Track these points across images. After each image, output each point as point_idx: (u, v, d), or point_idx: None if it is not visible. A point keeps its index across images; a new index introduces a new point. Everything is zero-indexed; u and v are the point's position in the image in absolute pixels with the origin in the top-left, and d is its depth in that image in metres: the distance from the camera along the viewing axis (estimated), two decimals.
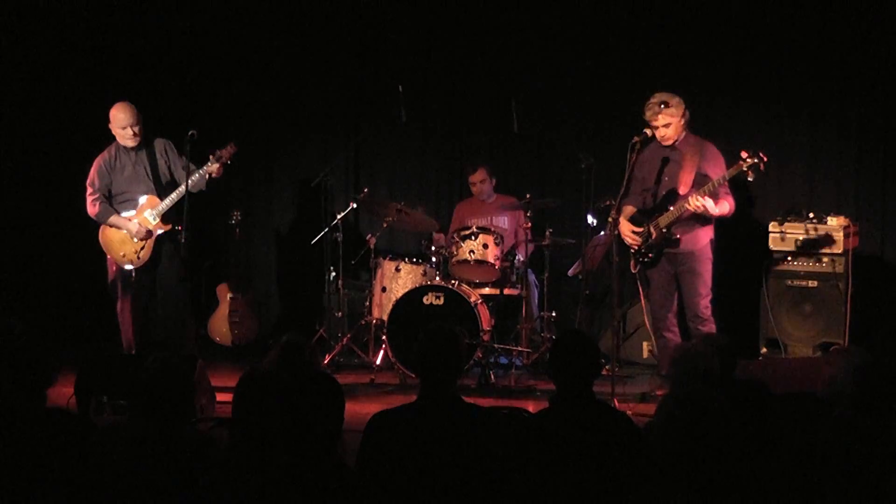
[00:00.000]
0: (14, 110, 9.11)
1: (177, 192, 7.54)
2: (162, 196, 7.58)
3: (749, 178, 6.90)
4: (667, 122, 7.07)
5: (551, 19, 8.93)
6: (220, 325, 8.73)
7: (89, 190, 7.64)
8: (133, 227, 7.57)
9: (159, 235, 7.60)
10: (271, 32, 9.29)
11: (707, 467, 3.07)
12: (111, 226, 7.60)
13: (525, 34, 8.99)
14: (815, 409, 4.39)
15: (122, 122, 7.52)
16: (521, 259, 8.10)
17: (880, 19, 8.24)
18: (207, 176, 7.51)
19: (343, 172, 9.18)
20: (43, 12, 9.09)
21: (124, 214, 7.61)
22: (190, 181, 7.40)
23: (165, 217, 7.58)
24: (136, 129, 7.52)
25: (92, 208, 7.62)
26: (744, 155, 6.83)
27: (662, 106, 7.04)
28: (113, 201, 7.65)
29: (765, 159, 6.79)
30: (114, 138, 7.63)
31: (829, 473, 3.53)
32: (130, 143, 7.56)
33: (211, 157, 7.52)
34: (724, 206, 7.05)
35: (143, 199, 7.62)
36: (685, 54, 8.64)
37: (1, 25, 9.03)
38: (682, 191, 7.08)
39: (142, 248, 7.59)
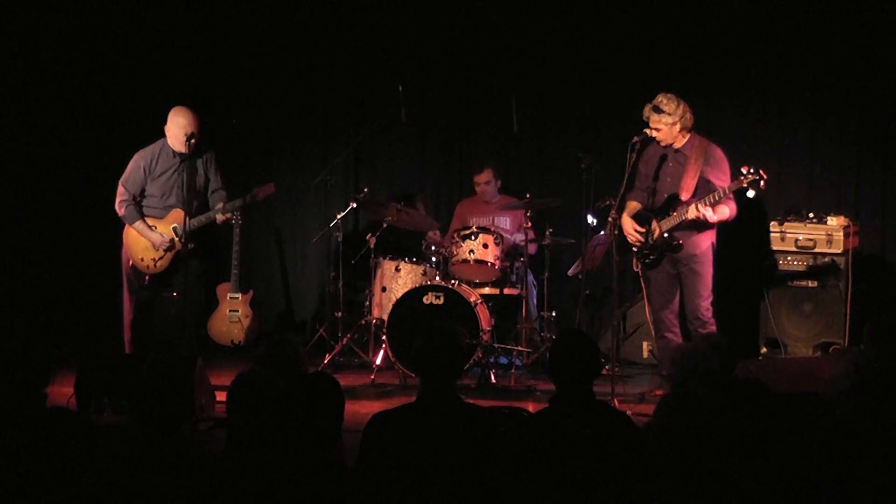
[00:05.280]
0: (13, 111, 9.10)
1: (206, 216, 7.55)
2: (189, 211, 7.45)
3: (749, 195, 6.88)
4: (657, 127, 7.08)
5: (551, 19, 8.92)
6: (220, 325, 8.71)
7: (120, 189, 7.58)
8: (156, 238, 7.55)
9: (178, 251, 7.58)
10: (271, 32, 9.28)
11: (707, 467, 3.07)
12: (135, 230, 7.59)
13: (525, 34, 8.98)
14: (815, 409, 4.39)
15: (185, 128, 7.39)
16: (524, 259, 8.08)
17: (880, 19, 8.24)
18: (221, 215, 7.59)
19: (343, 172, 9.17)
20: (45, 11, 9.08)
21: (149, 218, 7.59)
22: (212, 212, 7.54)
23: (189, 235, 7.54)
24: (196, 138, 7.40)
25: (119, 209, 7.59)
26: (744, 170, 6.82)
27: (654, 111, 7.05)
28: (142, 201, 7.62)
29: (765, 177, 6.77)
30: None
31: (829, 473, 3.53)
32: (185, 149, 7.41)
33: (249, 193, 7.70)
34: (723, 212, 7.03)
35: (171, 211, 7.59)
36: (685, 54, 8.64)
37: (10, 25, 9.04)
38: (683, 196, 7.07)
39: (160, 259, 7.60)
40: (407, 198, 8.72)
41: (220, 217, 7.61)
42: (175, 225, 7.58)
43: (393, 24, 9.17)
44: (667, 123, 7.05)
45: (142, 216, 7.59)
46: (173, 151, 7.54)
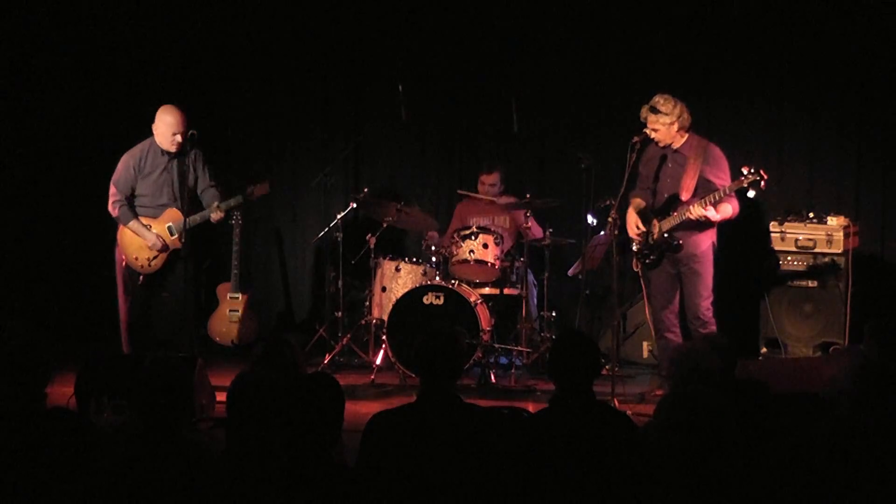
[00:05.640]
0: (14, 110, 9.10)
1: (201, 214, 7.56)
2: (182, 209, 7.51)
3: (750, 195, 6.88)
4: (655, 128, 7.07)
5: (551, 20, 8.92)
6: (220, 325, 8.72)
7: (112, 189, 7.59)
8: (151, 238, 7.55)
9: (173, 250, 7.59)
10: (271, 32, 9.28)
11: (707, 467, 3.07)
12: (130, 230, 7.60)
13: (525, 34, 8.98)
14: (815, 409, 4.39)
15: (172, 127, 7.44)
16: (524, 259, 8.08)
17: (880, 19, 8.24)
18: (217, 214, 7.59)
19: (343, 172, 9.18)
20: (46, 12, 9.08)
21: (143, 217, 7.60)
22: (207, 211, 7.53)
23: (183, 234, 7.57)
24: (182, 137, 7.43)
25: (113, 210, 7.60)
26: (745, 171, 6.82)
27: (651, 111, 7.04)
28: (134, 201, 7.62)
29: (765, 177, 6.77)
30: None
31: (829, 473, 3.53)
32: (174, 148, 7.48)
33: (248, 187, 7.73)
34: (725, 210, 7.04)
35: (165, 211, 7.60)
36: (685, 54, 8.64)
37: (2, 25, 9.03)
38: (684, 196, 7.07)
39: (155, 258, 7.60)
40: (407, 198, 8.70)
41: (214, 216, 7.61)
42: (170, 224, 7.58)
43: (393, 24, 9.17)
44: (664, 123, 7.05)
45: (136, 215, 7.59)
46: (162, 150, 7.56)
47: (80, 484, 3.20)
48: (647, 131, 7.08)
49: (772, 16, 8.46)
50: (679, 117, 7.06)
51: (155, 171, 7.58)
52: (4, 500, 3.14)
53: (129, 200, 7.61)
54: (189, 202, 7.54)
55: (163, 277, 7.70)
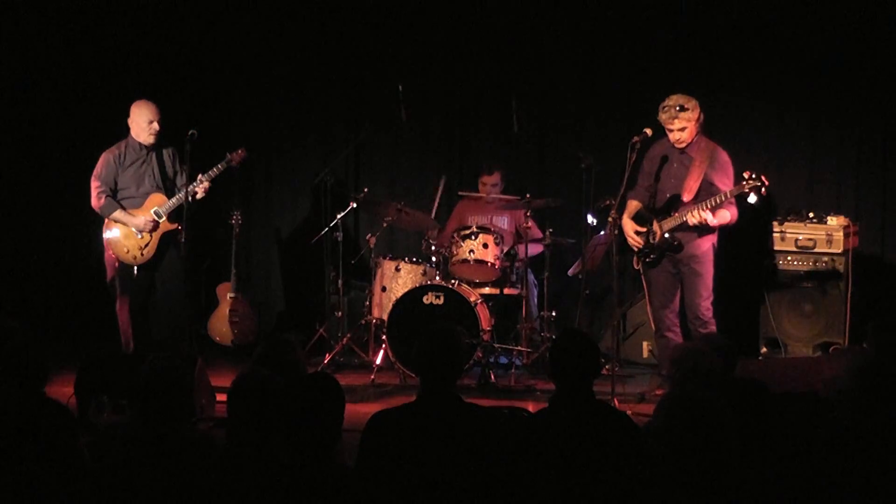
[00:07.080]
0: (13, 110, 9.10)
1: (188, 190, 7.58)
2: (168, 196, 7.64)
3: (750, 200, 6.87)
4: (682, 126, 7.02)
5: (551, 19, 8.92)
6: (220, 325, 8.72)
7: (95, 183, 7.64)
8: (139, 222, 7.60)
9: (163, 234, 7.63)
10: (271, 32, 9.28)
11: (707, 467, 3.07)
12: (115, 221, 7.61)
13: (525, 34, 8.98)
14: (815, 409, 4.39)
15: (147, 116, 7.59)
16: (524, 259, 8.07)
17: (881, 19, 8.24)
18: (202, 187, 7.58)
19: (343, 172, 9.18)
20: (46, 10, 9.09)
21: (129, 210, 7.62)
22: (193, 185, 7.50)
23: (171, 216, 7.63)
24: (159, 125, 7.59)
25: (97, 201, 7.64)
26: (746, 175, 6.81)
27: (679, 109, 6.99)
28: (117, 195, 7.66)
29: (766, 183, 6.76)
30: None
31: (829, 473, 3.53)
32: (152, 139, 7.61)
33: (227, 155, 7.73)
34: (724, 216, 7.03)
35: (149, 196, 7.66)
36: (685, 54, 8.64)
37: (2, 23, 9.04)
38: (686, 198, 7.06)
39: (146, 246, 7.62)
40: (407, 198, 8.69)
41: (200, 188, 7.61)
42: (156, 208, 7.63)
43: (393, 23, 9.17)
44: (691, 121, 7.02)
45: (120, 206, 7.63)
46: (139, 144, 7.64)
47: (78, 483, 3.20)
48: (674, 132, 7.02)
49: (772, 16, 8.46)
50: (699, 116, 7.05)
51: (135, 164, 7.68)
52: (4, 498, 3.15)
53: (113, 194, 7.65)
54: (169, 189, 7.67)
55: (155, 267, 7.69)
